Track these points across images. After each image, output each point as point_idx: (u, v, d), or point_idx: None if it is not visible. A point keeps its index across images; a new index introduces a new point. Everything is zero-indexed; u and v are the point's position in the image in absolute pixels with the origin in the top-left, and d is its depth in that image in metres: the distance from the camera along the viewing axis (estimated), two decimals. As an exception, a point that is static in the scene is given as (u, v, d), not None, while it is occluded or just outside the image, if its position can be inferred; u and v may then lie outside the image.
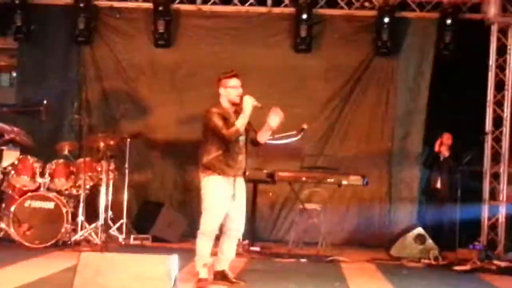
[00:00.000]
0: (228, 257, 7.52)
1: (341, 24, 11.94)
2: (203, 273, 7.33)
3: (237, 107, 7.36)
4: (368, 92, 11.97)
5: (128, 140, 10.69)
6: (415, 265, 9.77)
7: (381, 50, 11.73)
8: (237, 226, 7.42)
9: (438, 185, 11.41)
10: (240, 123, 7.22)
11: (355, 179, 10.13)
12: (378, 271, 9.15)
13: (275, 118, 7.30)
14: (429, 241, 10.18)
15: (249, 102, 7.24)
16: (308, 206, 10.36)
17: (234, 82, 7.39)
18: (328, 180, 10.17)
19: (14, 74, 19.27)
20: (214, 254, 7.48)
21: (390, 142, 11.88)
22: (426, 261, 9.88)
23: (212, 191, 7.25)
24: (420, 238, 10.22)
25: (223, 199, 7.25)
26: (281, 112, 7.31)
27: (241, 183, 7.42)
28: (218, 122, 7.20)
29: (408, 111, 11.93)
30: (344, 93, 11.94)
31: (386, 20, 11.53)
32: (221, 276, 7.46)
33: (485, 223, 11.19)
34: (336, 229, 11.38)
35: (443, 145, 11.36)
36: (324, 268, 9.16)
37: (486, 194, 11.29)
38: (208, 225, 7.28)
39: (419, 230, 10.33)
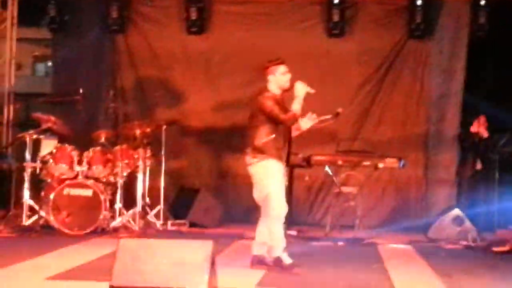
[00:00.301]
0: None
1: (374, 7, 11.89)
2: (286, 258, 7.40)
3: (284, 94, 7.51)
4: (402, 76, 11.91)
5: (164, 127, 10.75)
6: (453, 247, 9.69)
7: (414, 33, 11.67)
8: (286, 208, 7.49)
9: (478, 166, 11.30)
10: (296, 108, 7.37)
11: (392, 162, 10.09)
12: (416, 253, 9.11)
13: (308, 122, 7.56)
14: (467, 223, 10.10)
15: (301, 88, 7.41)
16: (344, 189, 10.34)
17: (283, 68, 7.54)
18: (364, 163, 10.14)
19: (50, 64, 19.51)
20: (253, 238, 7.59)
21: (425, 125, 11.81)
22: (464, 242, 9.79)
23: (273, 174, 7.35)
24: (458, 220, 10.15)
25: (280, 182, 7.37)
26: (316, 118, 7.55)
27: (284, 168, 7.51)
28: (274, 107, 7.33)
29: (443, 94, 11.85)
30: (377, 77, 11.90)
31: (419, 2, 11.45)
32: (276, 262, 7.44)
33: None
34: (372, 212, 11.38)
35: (481, 126, 11.23)
36: (361, 251, 9.16)
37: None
38: (277, 209, 7.35)
39: (457, 211, 10.25)
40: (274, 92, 7.48)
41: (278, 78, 7.50)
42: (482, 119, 11.16)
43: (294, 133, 7.63)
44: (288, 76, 7.51)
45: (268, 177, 7.35)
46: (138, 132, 10.45)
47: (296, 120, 7.46)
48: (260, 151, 7.36)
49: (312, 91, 7.42)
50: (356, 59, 11.88)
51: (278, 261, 7.40)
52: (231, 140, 11.80)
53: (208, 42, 12.06)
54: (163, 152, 10.73)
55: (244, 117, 11.62)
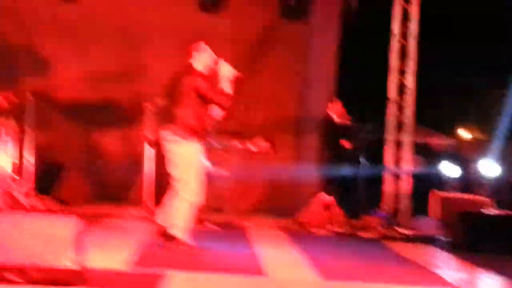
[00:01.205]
0: None
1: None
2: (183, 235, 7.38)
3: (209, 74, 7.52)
4: (275, 57, 11.89)
5: (30, 97, 10.30)
6: (321, 231, 9.80)
7: (288, 14, 11.61)
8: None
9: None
10: (227, 88, 7.40)
11: (263, 144, 10.09)
12: (286, 237, 9.16)
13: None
14: (335, 208, 10.23)
15: (227, 68, 7.47)
16: (215, 171, 10.23)
17: (205, 47, 7.56)
18: (236, 144, 10.09)
19: None
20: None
21: (296, 107, 11.84)
22: (332, 228, 9.92)
23: (196, 155, 7.37)
24: (326, 205, 10.26)
25: (198, 162, 7.39)
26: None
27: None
28: (209, 87, 7.33)
29: (314, 77, 11.88)
30: (250, 57, 11.79)
31: (293, -17, 11.43)
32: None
33: (388, 190, 11.33)
34: (243, 196, 11.33)
35: (335, 110, 11.10)
36: (231, 235, 9.11)
37: (389, 162, 11.41)
38: (193, 193, 7.31)
39: (326, 197, 10.35)
40: (201, 69, 7.47)
41: (202, 57, 7.50)
42: (336, 104, 11.03)
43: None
44: (213, 55, 7.54)
45: (192, 158, 7.33)
46: (2, 102, 9.96)
47: (229, 101, 7.44)
48: (188, 130, 7.29)
49: (237, 73, 7.51)
50: (229, 37, 11.70)
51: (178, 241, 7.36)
52: (100, 114, 11.51)
53: (78, 11, 11.54)
54: (29, 124, 10.28)
55: (114, 91, 11.47)
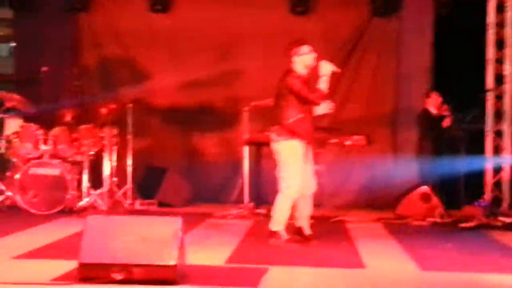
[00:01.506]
0: (304, 214, 7.87)
1: (338, -16, 11.84)
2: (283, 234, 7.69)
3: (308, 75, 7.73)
4: (368, 54, 11.86)
5: (129, 105, 10.66)
6: (421, 223, 9.76)
7: (379, 10, 11.62)
8: (310, 185, 7.79)
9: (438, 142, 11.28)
10: (323, 87, 7.59)
11: (359, 139, 10.10)
12: (384, 230, 9.18)
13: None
14: (434, 200, 10.16)
15: (327, 67, 7.64)
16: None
17: (306, 48, 7.73)
18: (331, 140, 10.14)
19: (13, 45, 19.23)
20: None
21: (392, 102, 11.81)
22: (432, 219, 9.86)
23: (296, 154, 7.63)
24: (425, 197, 10.19)
25: (300, 162, 7.63)
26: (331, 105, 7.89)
27: (309, 146, 7.78)
28: (303, 87, 7.55)
29: (409, 71, 11.82)
30: (343, 55, 11.81)
31: (383, -21, 11.43)
32: (297, 232, 7.84)
33: (489, 180, 11.19)
34: (340, 190, 11.40)
35: (432, 103, 11.04)
36: (331, 228, 9.16)
37: (489, 151, 11.27)
38: (292, 188, 7.61)
39: (424, 188, 10.30)
40: (300, 72, 7.66)
41: (302, 58, 7.68)
42: (433, 96, 10.96)
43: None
44: (313, 55, 7.70)
45: (291, 156, 7.61)
46: (103, 110, 10.34)
47: (324, 99, 7.67)
48: (287, 130, 7.60)
49: (338, 70, 7.71)
50: (320, 37, 11.80)
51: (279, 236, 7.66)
52: (199, 119, 11.78)
53: (172, 20, 11.90)
54: (129, 131, 10.64)
55: (211, 96, 11.75)
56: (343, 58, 11.73)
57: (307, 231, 7.88)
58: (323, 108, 7.84)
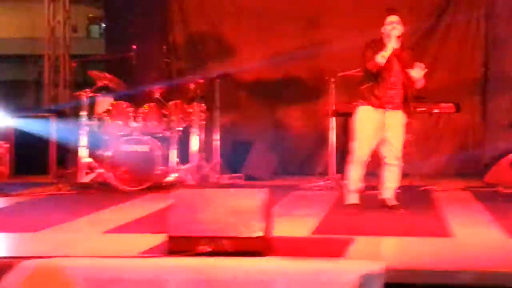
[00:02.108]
0: (388, 185, 7.89)
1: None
2: (351, 199, 7.80)
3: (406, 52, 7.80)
4: (456, 20, 11.64)
5: (217, 81, 10.77)
6: (511, 191, 9.56)
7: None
8: (391, 155, 7.76)
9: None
10: (380, 55, 7.52)
11: (447, 107, 9.98)
12: (473, 198, 9.04)
13: (418, 72, 7.64)
14: (525, 167, 9.96)
15: (394, 37, 7.59)
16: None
17: (390, 18, 7.74)
18: (419, 109, 10.03)
19: (104, 26, 19.60)
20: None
21: (482, 69, 11.59)
22: (522, 187, 9.66)
23: (360, 120, 7.69)
24: (515, 164, 10.01)
25: (368, 128, 7.65)
26: (423, 66, 7.67)
27: (395, 115, 7.72)
28: (367, 53, 7.63)
29: (499, 38, 11.57)
30: (430, 22, 11.67)
31: None
32: (381, 204, 7.88)
33: None
34: (429, 159, 11.28)
35: None
36: (418, 197, 9.11)
37: None
38: (355, 152, 7.69)
39: (514, 156, 10.10)
40: (385, 41, 7.64)
41: (385, 28, 7.70)
42: None
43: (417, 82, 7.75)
44: (392, 26, 7.66)
45: (358, 121, 7.69)
46: (192, 86, 10.49)
47: (377, 68, 7.56)
48: (358, 96, 7.74)
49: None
50: (409, 4, 11.64)
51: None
52: (284, 92, 11.84)
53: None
54: (217, 105, 10.76)
55: (297, 68, 11.76)
56: (430, 25, 11.60)
57: (392, 202, 7.86)
58: (417, 72, 7.69)
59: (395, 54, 7.64)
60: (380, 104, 7.64)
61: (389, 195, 7.89)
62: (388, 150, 7.76)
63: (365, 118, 7.67)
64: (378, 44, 7.67)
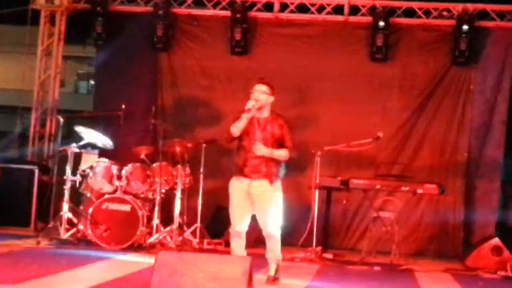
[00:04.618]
0: (267, 256, 7.78)
1: (418, 33, 11.86)
2: None
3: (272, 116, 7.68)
4: (444, 102, 11.81)
5: (204, 145, 10.79)
6: (492, 276, 9.56)
7: (458, 60, 11.59)
8: (263, 227, 7.64)
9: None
10: (234, 126, 7.44)
11: (431, 188, 10.04)
12: (454, 281, 9.02)
13: (260, 150, 7.45)
14: (506, 253, 9.98)
15: (249, 106, 7.43)
16: (382, 214, 10.28)
17: (256, 87, 7.63)
18: (403, 188, 10.10)
19: (92, 82, 19.74)
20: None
21: (466, 152, 11.68)
22: (503, 273, 9.63)
23: (230, 192, 7.66)
24: (497, 250, 10.02)
25: (236, 199, 7.58)
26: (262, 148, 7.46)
27: (260, 185, 7.50)
28: (232, 123, 7.49)
29: (485, 123, 11.71)
30: (419, 102, 11.81)
31: (465, 29, 11.38)
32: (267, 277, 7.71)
33: None
34: (409, 239, 11.30)
35: None
36: (398, 277, 9.08)
37: None
38: (232, 224, 7.64)
39: (496, 241, 10.13)
40: (248, 107, 7.46)
41: (251, 96, 7.58)
42: None
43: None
44: (254, 95, 7.53)
45: (230, 194, 7.66)
46: (178, 149, 10.50)
47: (230, 138, 7.52)
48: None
49: (250, 108, 7.40)
50: (398, 84, 11.85)
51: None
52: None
53: (251, 63, 12.06)
54: (201, 170, 10.75)
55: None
56: (419, 105, 11.73)
57: (270, 273, 7.73)
58: (259, 151, 7.46)
59: (259, 124, 7.52)
60: (243, 173, 7.52)
61: (270, 265, 7.77)
62: (259, 221, 7.65)
63: (233, 189, 7.60)
64: (238, 114, 7.53)
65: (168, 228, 10.23)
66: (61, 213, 10.16)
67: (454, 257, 10.62)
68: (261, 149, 7.42)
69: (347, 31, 12.00)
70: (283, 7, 12.17)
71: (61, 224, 10.12)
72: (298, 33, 12.09)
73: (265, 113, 7.59)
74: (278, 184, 7.60)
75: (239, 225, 7.57)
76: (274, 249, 7.71)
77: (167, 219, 10.43)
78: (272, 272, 7.71)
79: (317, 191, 10.35)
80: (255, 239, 11.07)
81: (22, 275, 7.11)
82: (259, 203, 7.52)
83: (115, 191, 10.22)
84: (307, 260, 9.85)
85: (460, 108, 11.78)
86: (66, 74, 15.41)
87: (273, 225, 7.60)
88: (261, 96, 7.53)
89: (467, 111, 11.77)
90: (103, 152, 10.68)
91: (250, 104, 7.42)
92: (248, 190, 7.48)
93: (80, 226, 10.07)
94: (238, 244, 7.64)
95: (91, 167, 10.31)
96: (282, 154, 7.56)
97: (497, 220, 11.45)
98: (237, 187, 7.54)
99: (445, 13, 11.84)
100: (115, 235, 9.88)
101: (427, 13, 11.85)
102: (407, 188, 10.12)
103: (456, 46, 11.52)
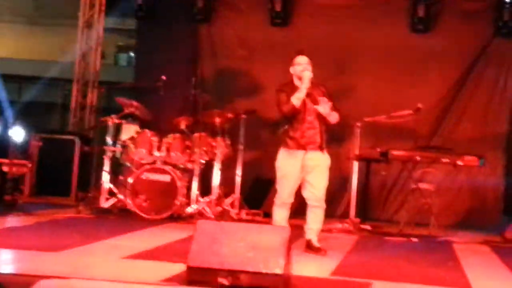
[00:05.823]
0: (311, 226, 7.80)
1: (461, 3, 11.72)
2: None
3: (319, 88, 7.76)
4: (485, 74, 11.68)
5: (243, 116, 10.82)
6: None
7: (501, 31, 11.45)
8: (312, 196, 7.70)
9: None
10: (295, 98, 7.51)
11: (471, 160, 9.95)
12: (492, 253, 8.97)
13: (324, 107, 7.58)
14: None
15: (307, 78, 7.53)
16: (421, 185, 10.23)
17: (299, 59, 7.75)
18: (443, 160, 10.01)
19: (132, 54, 19.82)
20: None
21: (507, 124, 11.58)
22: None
23: (278, 163, 7.68)
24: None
25: (287, 171, 7.61)
26: (325, 99, 7.59)
27: (316, 157, 7.63)
28: (280, 97, 7.63)
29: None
30: (460, 74, 11.70)
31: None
32: (307, 245, 7.77)
33: None
34: (448, 210, 11.23)
35: None
36: (436, 248, 9.07)
37: None
38: (278, 195, 7.70)
39: (535, 214, 10.08)
40: (296, 83, 7.66)
41: (294, 68, 7.72)
42: None
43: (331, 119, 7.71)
44: (303, 67, 7.67)
45: (278, 166, 7.69)
46: (217, 120, 10.55)
47: (293, 111, 7.54)
48: (280, 140, 7.72)
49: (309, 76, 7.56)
50: (439, 55, 11.73)
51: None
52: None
53: (291, 34, 12.02)
54: (241, 141, 10.80)
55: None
56: (460, 77, 11.63)
57: (315, 243, 7.76)
58: (323, 108, 7.59)
59: (307, 94, 7.59)
60: (299, 145, 7.58)
61: (312, 236, 7.79)
62: (309, 192, 7.70)
63: (284, 161, 7.63)
64: (289, 86, 7.68)
65: (207, 199, 10.30)
66: (101, 183, 10.30)
67: (493, 229, 10.53)
68: (325, 106, 7.56)
69: (388, 1, 11.90)
70: (324, -22, 12.09)
71: (101, 194, 10.27)
72: (338, 3, 12.01)
73: (309, 84, 7.66)
74: (327, 154, 7.73)
75: (290, 197, 7.69)
76: (320, 219, 7.80)
77: (206, 190, 10.50)
78: (316, 243, 7.77)
79: (356, 163, 10.34)
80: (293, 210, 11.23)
81: (63, 244, 7.25)
82: (314, 174, 7.65)
83: (154, 161, 10.30)
84: (345, 231, 9.88)
85: (502, 80, 11.65)
86: (105, 46, 15.43)
87: (323, 196, 7.74)
88: (309, 67, 7.67)
89: (509, 83, 11.64)
90: (143, 123, 10.75)
91: (307, 75, 7.57)
92: (303, 162, 7.58)
93: (120, 196, 10.18)
94: (282, 215, 7.72)
95: (131, 138, 10.40)
96: (336, 115, 7.75)
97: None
98: (290, 159, 7.61)
99: (488, -18, 11.68)
100: (154, 205, 9.99)
101: (470, -17, 11.70)
102: (447, 160, 10.03)
103: (499, 16, 11.38)
